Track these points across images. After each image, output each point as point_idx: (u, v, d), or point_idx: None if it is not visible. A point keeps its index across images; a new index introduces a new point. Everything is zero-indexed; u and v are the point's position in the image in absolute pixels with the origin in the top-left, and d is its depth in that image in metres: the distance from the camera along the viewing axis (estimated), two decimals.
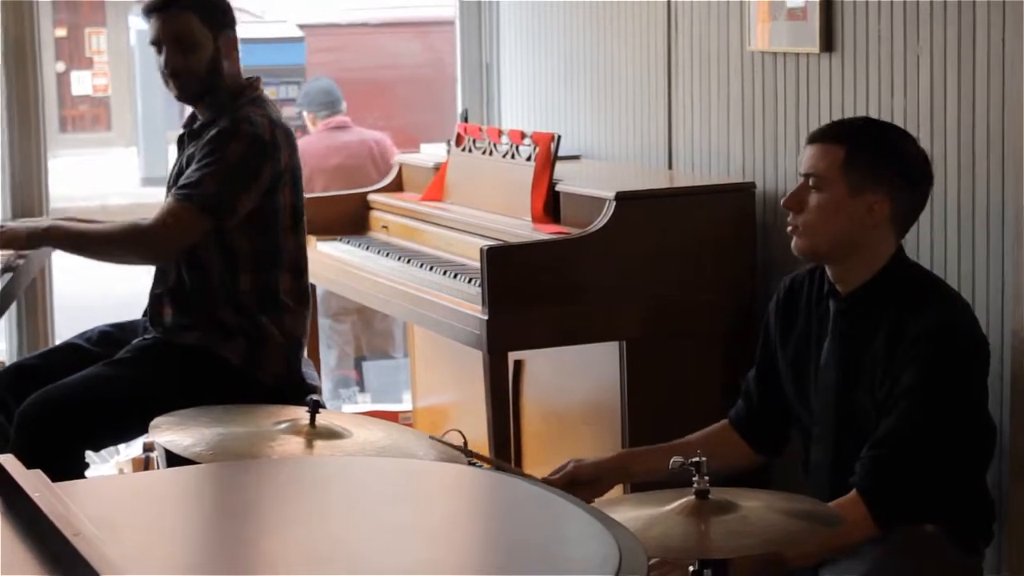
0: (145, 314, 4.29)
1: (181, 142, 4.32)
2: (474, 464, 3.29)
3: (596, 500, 3.38)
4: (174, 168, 4.27)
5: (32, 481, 2.15)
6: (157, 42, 4.20)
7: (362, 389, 7.85)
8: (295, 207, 4.19)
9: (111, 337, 4.33)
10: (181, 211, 4.04)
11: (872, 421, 3.17)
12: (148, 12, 4.23)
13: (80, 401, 3.97)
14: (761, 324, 3.57)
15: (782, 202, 3.33)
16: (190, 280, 4.14)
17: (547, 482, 3.37)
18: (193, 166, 4.09)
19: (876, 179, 3.21)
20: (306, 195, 4.33)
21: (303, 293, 4.24)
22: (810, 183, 3.25)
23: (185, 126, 4.33)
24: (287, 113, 9.21)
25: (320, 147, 7.54)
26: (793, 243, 3.29)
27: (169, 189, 4.24)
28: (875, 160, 3.22)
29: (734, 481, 2.96)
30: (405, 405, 6.23)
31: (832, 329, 3.28)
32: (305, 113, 7.84)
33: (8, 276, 4.17)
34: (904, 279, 3.25)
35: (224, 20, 4.25)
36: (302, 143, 7.52)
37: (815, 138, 3.29)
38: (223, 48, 4.22)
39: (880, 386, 3.16)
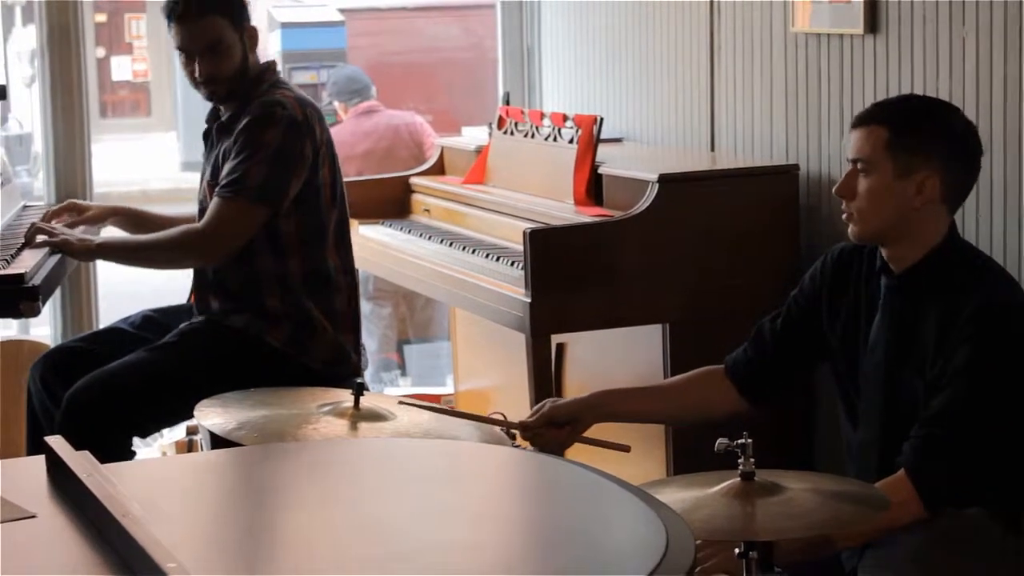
0: (190, 299, 4.31)
1: (207, 136, 4.30)
2: (518, 446, 3.29)
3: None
4: (207, 163, 4.25)
5: (81, 462, 2.16)
6: (186, 49, 4.15)
7: (404, 373, 7.86)
8: (334, 182, 4.19)
9: (154, 322, 4.35)
10: (233, 207, 4.04)
11: (921, 400, 3.15)
12: (177, 19, 4.14)
13: (128, 387, 3.98)
14: (799, 284, 3.52)
15: (834, 191, 3.29)
16: (235, 270, 4.13)
17: (524, 425, 3.38)
18: (232, 160, 4.06)
19: (923, 156, 3.17)
20: (347, 179, 4.33)
21: (349, 266, 4.24)
22: (858, 167, 3.23)
23: (209, 120, 4.30)
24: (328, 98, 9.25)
25: (347, 134, 7.50)
26: (849, 230, 3.26)
27: (203, 182, 4.23)
28: (920, 137, 3.19)
29: (773, 461, 2.94)
30: (447, 388, 6.23)
31: (883, 306, 3.26)
32: (336, 103, 7.81)
33: (55, 259, 4.18)
34: (957, 258, 3.22)
35: (245, 14, 4.22)
36: (332, 131, 7.56)
37: (859, 122, 3.25)
38: (249, 43, 4.20)
39: (931, 365, 3.14)
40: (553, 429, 3.39)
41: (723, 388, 3.50)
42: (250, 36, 4.21)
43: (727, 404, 3.49)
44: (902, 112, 3.26)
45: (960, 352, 3.09)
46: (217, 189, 4.07)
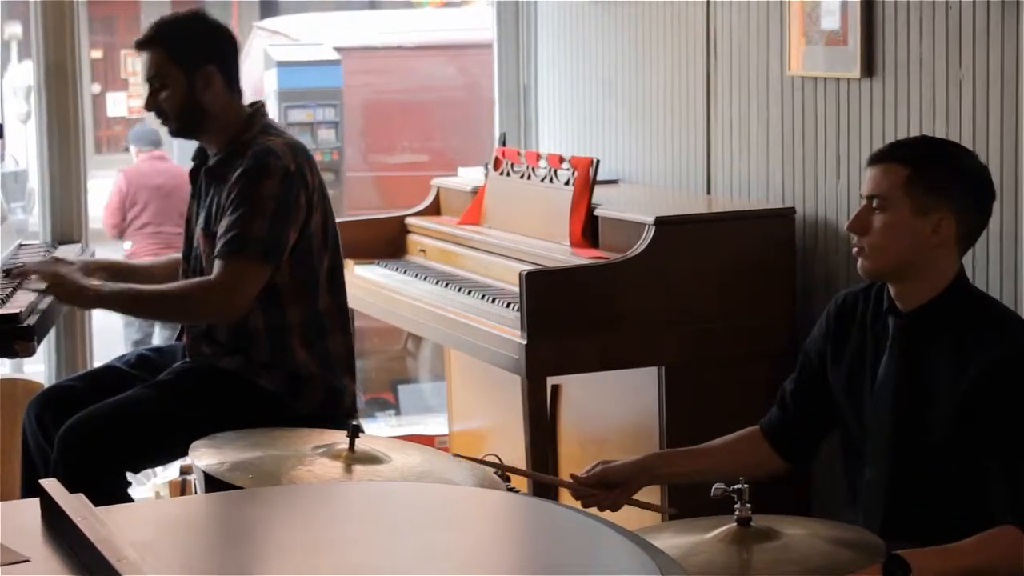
0: (179, 339, 4.30)
1: (195, 176, 4.25)
2: (513, 489, 3.29)
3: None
4: (199, 208, 4.19)
5: (75, 505, 2.15)
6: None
7: (398, 412, 7.88)
8: (325, 225, 4.15)
9: (149, 361, 4.33)
10: (243, 265, 3.97)
11: (931, 438, 3.15)
12: (136, 49, 4.21)
13: (121, 422, 3.97)
14: (808, 337, 3.53)
15: (846, 226, 3.29)
16: (226, 324, 4.11)
17: (577, 481, 3.48)
18: (230, 215, 4.00)
19: (941, 197, 3.18)
20: (344, 219, 4.30)
21: (343, 308, 4.21)
22: (874, 204, 3.22)
23: (196, 158, 4.26)
24: (324, 136, 9.26)
25: (148, 169, 9.33)
26: (859, 265, 3.26)
27: (194, 227, 4.18)
28: (939, 178, 3.20)
29: (769, 506, 2.94)
30: (427, 428, 6.25)
31: (891, 346, 3.25)
32: (132, 147, 9.55)
33: (50, 299, 4.18)
34: (967, 298, 3.23)
35: (200, 55, 4.14)
36: (132, 168, 9.44)
37: (876, 159, 3.26)
38: (197, 84, 4.12)
39: (946, 400, 3.13)
40: (605, 490, 3.45)
41: (763, 449, 3.53)
42: (203, 79, 4.12)
43: (768, 464, 3.52)
44: (921, 152, 3.27)
45: (1006, 401, 3.08)
46: (221, 246, 3.99)
